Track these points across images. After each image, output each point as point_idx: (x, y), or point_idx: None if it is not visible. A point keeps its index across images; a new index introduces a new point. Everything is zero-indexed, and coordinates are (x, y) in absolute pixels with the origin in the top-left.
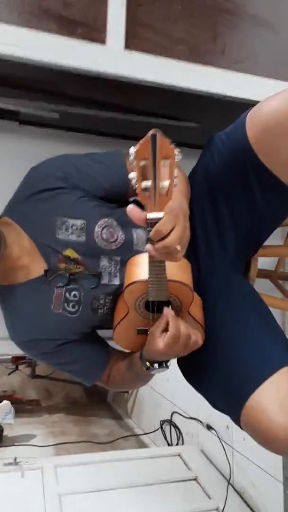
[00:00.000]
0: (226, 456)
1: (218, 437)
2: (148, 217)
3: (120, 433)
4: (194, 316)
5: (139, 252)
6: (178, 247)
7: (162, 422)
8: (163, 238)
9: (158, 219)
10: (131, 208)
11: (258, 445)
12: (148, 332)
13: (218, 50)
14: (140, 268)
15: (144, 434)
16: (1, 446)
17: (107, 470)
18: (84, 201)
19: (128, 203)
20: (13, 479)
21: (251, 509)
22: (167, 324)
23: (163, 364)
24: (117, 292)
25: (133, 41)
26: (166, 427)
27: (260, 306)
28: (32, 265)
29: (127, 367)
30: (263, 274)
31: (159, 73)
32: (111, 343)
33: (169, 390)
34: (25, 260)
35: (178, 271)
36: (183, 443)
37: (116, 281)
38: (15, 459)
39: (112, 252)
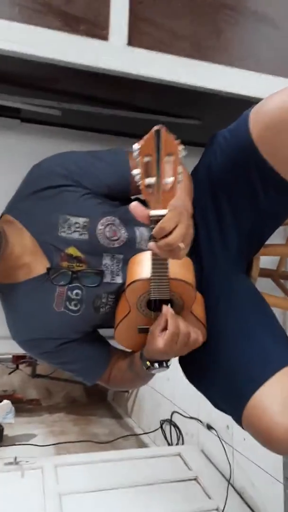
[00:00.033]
0: (227, 456)
1: (219, 437)
2: (151, 214)
3: (120, 433)
4: (196, 315)
5: (141, 250)
6: (181, 245)
7: (162, 422)
8: (166, 236)
9: (162, 216)
10: (134, 205)
11: (259, 445)
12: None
13: (221, 47)
14: (142, 266)
15: (144, 433)
16: (1, 446)
17: (107, 470)
18: (87, 199)
19: (131, 201)
20: (13, 479)
21: (251, 509)
22: (167, 323)
23: (163, 363)
24: (119, 291)
25: (135, 37)
26: (166, 427)
27: (262, 305)
28: (34, 263)
29: (127, 367)
30: (265, 273)
31: (161, 69)
32: (112, 342)
33: (169, 390)
34: (27, 258)
35: (180, 269)
36: (183, 443)
37: (119, 280)
38: (15, 458)
39: (115, 250)
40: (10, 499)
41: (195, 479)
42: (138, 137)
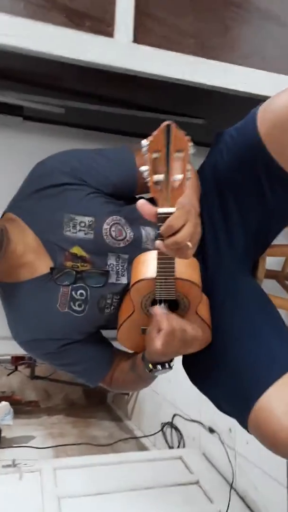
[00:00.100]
0: (229, 459)
1: (221, 440)
2: (159, 211)
3: (120, 435)
4: (201, 316)
5: (147, 250)
6: (189, 244)
7: (163, 425)
8: (173, 234)
9: (170, 214)
10: (141, 203)
11: (262, 448)
12: None
13: (227, 44)
14: (147, 266)
15: (145, 436)
16: None
17: (107, 473)
18: (92, 198)
19: (136, 200)
20: (12, 481)
21: None
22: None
23: (165, 365)
24: (124, 291)
25: (141, 35)
26: (167, 430)
27: (268, 306)
28: (37, 262)
29: (129, 369)
30: (270, 274)
31: (167, 67)
32: (114, 344)
33: (170, 392)
34: (30, 257)
35: (187, 269)
36: (184, 446)
37: (124, 280)
38: (14, 461)
39: (120, 250)
40: (8, 502)
41: (196, 483)
42: (141, 136)
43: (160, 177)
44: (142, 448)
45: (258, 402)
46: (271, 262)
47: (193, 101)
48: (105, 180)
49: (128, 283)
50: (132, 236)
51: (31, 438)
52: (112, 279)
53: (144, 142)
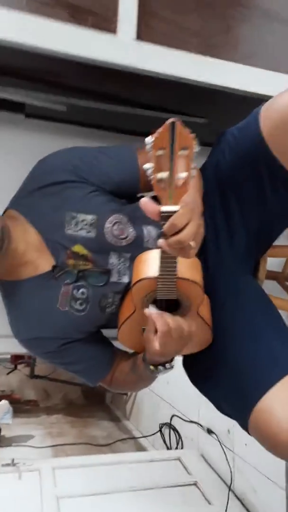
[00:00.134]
0: (227, 461)
1: (219, 441)
2: (162, 209)
3: (119, 436)
4: (202, 316)
5: (149, 249)
6: (192, 243)
7: (161, 425)
8: (177, 233)
9: (173, 212)
10: (145, 201)
11: (261, 450)
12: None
13: (230, 43)
14: (149, 264)
15: (143, 437)
16: None
17: (106, 473)
18: (94, 196)
19: (137, 199)
20: (10, 481)
21: None
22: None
23: (166, 365)
24: (125, 291)
25: (144, 32)
26: (165, 430)
27: (269, 306)
28: (39, 260)
29: (130, 369)
30: (270, 275)
31: (170, 65)
32: (115, 343)
33: (169, 393)
34: (31, 255)
35: (189, 269)
36: (182, 447)
37: (125, 279)
38: (13, 460)
39: (122, 249)
40: (7, 501)
41: (194, 484)
42: (143, 135)
43: (164, 175)
44: (141, 448)
45: (259, 404)
46: (271, 263)
47: (195, 100)
48: (107, 178)
49: (130, 282)
50: (134, 235)
51: (30, 437)
52: (114, 278)
53: (148, 139)
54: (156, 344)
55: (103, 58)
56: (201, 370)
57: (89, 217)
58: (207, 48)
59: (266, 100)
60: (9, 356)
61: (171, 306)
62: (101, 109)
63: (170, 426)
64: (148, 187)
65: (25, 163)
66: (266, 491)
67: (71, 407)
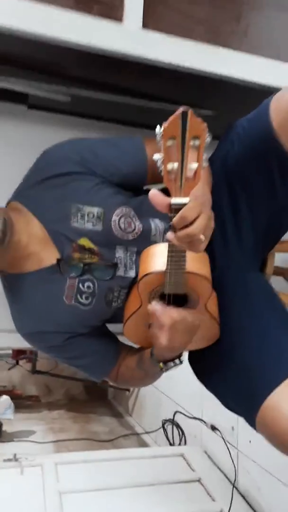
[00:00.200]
0: (231, 458)
1: (223, 438)
2: (172, 202)
3: (121, 431)
4: (210, 312)
5: (156, 243)
6: (202, 237)
7: (164, 422)
8: (186, 226)
9: (183, 205)
10: (154, 193)
11: (265, 448)
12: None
13: (240, 33)
14: (155, 259)
15: (146, 433)
16: (0, 442)
17: (109, 469)
18: (101, 188)
19: (144, 192)
20: (13, 476)
21: None
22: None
23: (176, 361)
24: (132, 285)
25: (151, 20)
26: (168, 427)
27: (277, 303)
28: (43, 253)
29: (136, 364)
30: (277, 271)
31: (176, 54)
32: (120, 338)
33: (172, 389)
34: (35, 248)
35: (196, 263)
36: (185, 443)
37: (132, 273)
38: (15, 455)
39: (129, 243)
40: (10, 496)
41: (198, 481)
42: (148, 127)
43: (174, 165)
44: (143, 444)
45: (266, 401)
46: (277, 259)
47: (202, 92)
48: (115, 170)
49: (136, 276)
50: (141, 229)
51: (32, 433)
52: (120, 272)
53: (158, 129)
54: (163, 338)
55: (108, 47)
56: (207, 366)
57: (96, 210)
58: (215, 37)
59: (276, 92)
60: (10, 352)
61: (178, 300)
62: (104, 100)
63: (173, 422)
64: (156, 179)
65: (28, 154)
66: (270, 488)
67: (73, 402)
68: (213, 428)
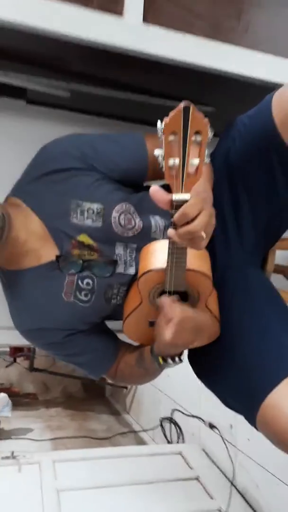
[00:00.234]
0: (229, 456)
1: (221, 436)
2: (174, 198)
3: (118, 429)
4: (210, 309)
5: (156, 240)
6: (203, 234)
7: (162, 419)
8: (188, 223)
9: (184, 201)
10: (155, 190)
11: (263, 446)
12: None
13: (241, 28)
14: (156, 255)
15: (143, 431)
16: None
17: (107, 467)
18: (101, 184)
19: (144, 188)
20: (10, 473)
21: (254, 511)
22: (170, 313)
23: (175, 358)
24: (131, 282)
25: (152, 14)
26: (166, 425)
27: (277, 300)
28: (42, 249)
29: (136, 362)
30: (277, 269)
31: (177, 49)
32: (120, 336)
33: (170, 387)
34: (34, 244)
35: (197, 260)
36: (183, 441)
37: (132, 271)
38: (13, 453)
39: (129, 240)
40: (7, 494)
41: (196, 479)
42: (147, 123)
43: (175, 161)
44: (141, 442)
45: (267, 399)
46: (277, 256)
47: (202, 88)
48: (115, 166)
49: (136, 274)
50: (141, 225)
51: (29, 431)
52: (120, 269)
53: (159, 124)
54: (168, 333)
55: (108, 41)
56: (207, 364)
57: (96, 206)
58: (217, 32)
59: (277, 88)
60: (8, 349)
61: (179, 298)
62: (104, 96)
63: (171, 420)
64: (156, 175)
65: (27, 150)
66: (268, 486)
67: (70, 400)
68: (211, 426)
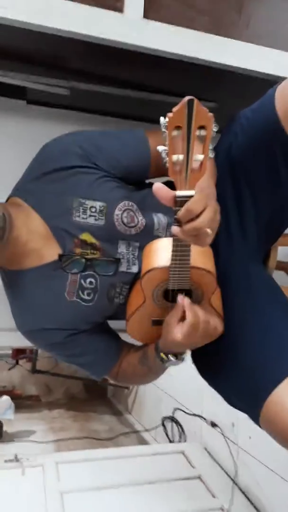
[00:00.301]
0: (231, 454)
1: (223, 435)
2: (178, 194)
3: (121, 429)
4: (214, 307)
5: (159, 237)
6: (209, 231)
7: (164, 419)
8: (192, 219)
9: (189, 198)
10: (158, 186)
11: (265, 444)
12: None
13: (242, 23)
14: (159, 253)
15: (145, 430)
16: (0, 442)
17: (110, 468)
18: (103, 182)
19: (146, 185)
20: (14, 477)
21: (257, 510)
22: (184, 313)
23: (178, 356)
24: (134, 281)
25: (152, 10)
26: (168, 424)
27: (280, 297)
28: (44, 249)
29: (139, 360)
30: (279, 266)
31: (178, 44)
32: (123, 335)
33: (171, 386)
34: (36, 244)
35: (201, 257)
36: (185, 440)
37: (135, 269)
38: (16, 456)
39: (132, 238)
40: (11, 497)
41: (198, 478)
42: (149, 120)
43: (179, 157)
44: (143, 442)
45: (270, 397)
46: (279, 253)
47: (204, 84)
48: (117, 163)
49: (139, 272)
50: (144, 223)
51: (32, 433)
52: (123, 268)
53: (163, 120)
54: (178, 332)
55: (109, 37)
56: (210, 362)
57: (98, 204)
58: (217, 27)
59: (279, 82)
60: (10, 352)
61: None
62: (104, 93)
63: (172, 419)
64: (159, 172)
65: (28, 150)
66: (270, 484)
67: (72, 401)
68: (213, 424)
